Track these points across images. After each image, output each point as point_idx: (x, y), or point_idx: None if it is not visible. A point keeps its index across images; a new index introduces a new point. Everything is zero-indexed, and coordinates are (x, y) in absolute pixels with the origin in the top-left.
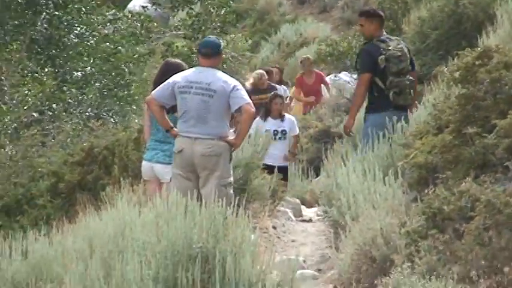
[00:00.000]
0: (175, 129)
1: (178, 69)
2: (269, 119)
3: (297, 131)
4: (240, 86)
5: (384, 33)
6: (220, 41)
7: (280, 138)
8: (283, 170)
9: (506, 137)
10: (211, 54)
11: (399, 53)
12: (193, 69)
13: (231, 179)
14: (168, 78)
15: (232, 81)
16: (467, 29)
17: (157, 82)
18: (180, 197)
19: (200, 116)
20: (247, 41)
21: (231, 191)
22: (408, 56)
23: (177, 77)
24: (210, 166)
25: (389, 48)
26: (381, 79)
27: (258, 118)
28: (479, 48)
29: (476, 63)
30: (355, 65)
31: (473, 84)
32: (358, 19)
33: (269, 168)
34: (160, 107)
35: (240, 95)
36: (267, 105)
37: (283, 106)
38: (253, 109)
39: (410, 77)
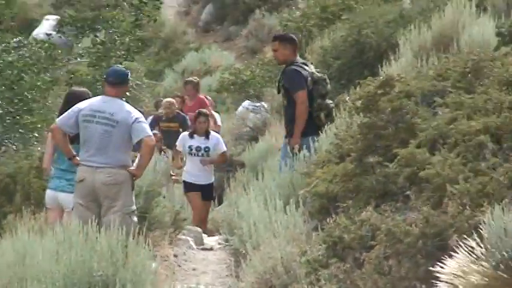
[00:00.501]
0: (77, 157)
1: (81, 97)
2: (195, 136)
3: (224, 148)
4: (142, 119)
5: (298, 57)
6: (127, 71)
7: (202, 155)
8: (207, 188)
9: (407, 166)
10: (117, 83)
11: (324, 76)
12: (98, 98)
13: (134, 207)
14: (69, 107)
15: (135, 113)
16: (370, 58)
17: (62, 111)
18: (80, 226)
19: (102, 146)
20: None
21: (135, 219)
22: None
23: (81, 105)
24: (111, 195)
25: (313, 70)
26: (308, 101)
27: (184, 134)
28: (381, 77)
29: (378, 92)
30: (277, 88)
31: (374, 113)
32: (272, 44)
33: (191, 187)
34: (63, 135)
35: (142, 127)
36: (194, 123)
37: (207, 124)
38: (153, 142)
39: (330, 101)
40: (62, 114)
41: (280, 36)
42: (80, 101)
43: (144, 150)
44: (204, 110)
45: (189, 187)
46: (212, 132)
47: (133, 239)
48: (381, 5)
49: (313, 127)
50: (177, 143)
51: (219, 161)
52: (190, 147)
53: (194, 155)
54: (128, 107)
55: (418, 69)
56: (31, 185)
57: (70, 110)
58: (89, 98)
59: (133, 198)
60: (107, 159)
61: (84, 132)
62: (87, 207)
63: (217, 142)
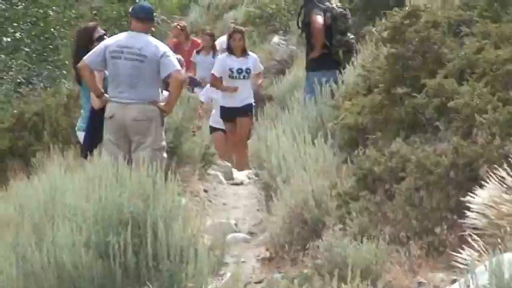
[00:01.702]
0: (106, 94)
1: (86, 33)
2: (232, 57)
3: (261, 67)
4: (170, 53)
5: None
6: (152, 7)
7: (244, 77)
8: (248, 109)
9: (436, 97)
10: (145, 19)
11: (344, 11)
12: (125, 33)
13: (164, 143)
14: (81, 46)
15: (163, 48)
16: None
17: (76, 49)
18: (110, 162)
19: (131, 81)
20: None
21: (165, 155)
22: None
23: (108, 41)
24: (142, 131)
25: (333, 6)
26: (326, 37)
27: (222, 56)
28: (407, 8)
29: (405, 22)
30: (297, 22)
31: (401, 43)
32: None
33: (230, 111)
34: (91, 72)
35: (170, 61)
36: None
37: (243, 42)
38: (181, 76)
39: (352, 36)
40: (76, 53)
41: None
42: (90, 36)
43: (173, 85)
44: (239, 27)
45: (229, 113)
46: (250, 52)
47: (163, 174)
48: None
49: (332, 63)
50: (215, 69)
51: (260, 78)
52: (231, 69)
53: (235, 78)
54: (155, 41)
55: None
56: (59, 122)
57: (97, 47)
58: (98, 32)
59: (164, 134)
60: (137, 95)
61: (113, 68)
62: (117, 144)
63: (255, 61)
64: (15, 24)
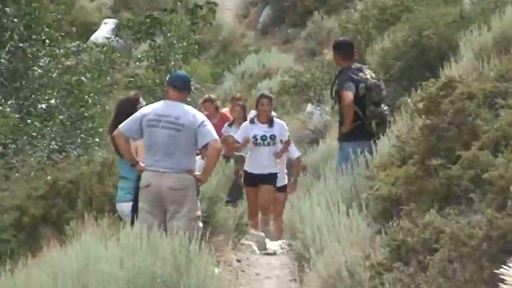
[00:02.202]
0: (141, 163)
1: (129, 103)
2: (257, 123)
3: (287, 135)
4: (207, 122)
5: (355, 63)
6: (189, 76)
7: (268, 144)
8: (271, 178)
9: (470, 168)
10: (182, 88)
11: (378, 82)
12: (161, 102)
13: (199, 212)
14: (123, 116)
15: (200, 117)
16: (431, 59)
17: (115, 120)
18: (144, 231)
19: (168, 150)
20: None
21: (200, 224)
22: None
23: (145, 110)
24: (177, 200)
25: (367, 76)
26: (360, 108)
27: (246, 123)
28: (442, 79)
29: (440, 93)
30: (330, 92)
31: (436, 115)
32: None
33: (253, 177)
34: (126, 141)
35: (207, 131)
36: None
37: (270, 108)
38: (219, 145)
39: (386, 107)
40: (114, 122)
41: (334, 43)
42: (134, 107)
43: (210, 153)
44: (266, 93)
45: (253, 179)
46: (276, 119)
47: (196, 244)
48: (440, 6)
49: (365, 134)
50: (237, 134)
51: (286, 148)
52: (255, 136)
53: (260, 144)
54: (193, 110)
55: (479, 71)
56: (93, 190)
57: (133, 115)
58: (140, 103)
59: (198, 203)
60: (173, 164)
61: (150, 136)
62: (152, 213)
63: (282, 128)
64: (49, 91)
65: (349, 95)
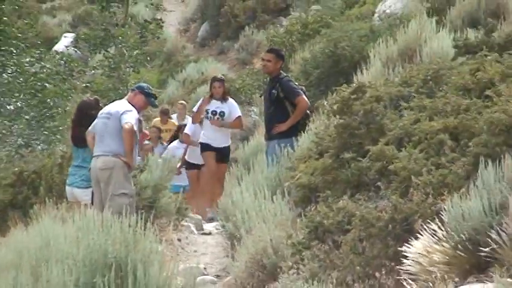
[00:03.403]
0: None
1: (91, 105)
2: (212, 100)
3: (238, 113)
4: (129, 111)
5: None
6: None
7: (217, 118)
8: (223, 151)
9: (378, 161)
10: (133, 90)
11: (303, 88)
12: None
13: (125, 190)
14: (86, 114)
15: (126, 107)
16: (345, 67)
17: (75, 118)
18: (96, 213)
19: (101, 136)
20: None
21: (123, 200)
22: None
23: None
24: (104, 179)
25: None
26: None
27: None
28: (354, 84)
29: (352, 97)
30: (265, 94)
31: (349, 115)
32: (265, 54)
33: (207, 147)
34: (92, 137)
35: (123, 117)
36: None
37: (223, 89)
38: (127, 127)
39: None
40: (74, 120)
41: (277, 51)
42: (90, 108)
43: (123, 135)
44: (219, 76)
45: (205, 147)
46: (230, 98)
47: (142, 224)
48: (354, 22)
49: (295, 130)
50: (195, 107)
51: (234, 125)
52: (207, 110)
53: (210, 118)
54: (124, 103)
55: (386, 77)
56: (53, 179)
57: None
58: (97, 105)
59: (126, 183)
60: (103, 148)
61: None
62: (96, 191)
63: (232, 107)
64: (17, 94)
65: (306, 100)
